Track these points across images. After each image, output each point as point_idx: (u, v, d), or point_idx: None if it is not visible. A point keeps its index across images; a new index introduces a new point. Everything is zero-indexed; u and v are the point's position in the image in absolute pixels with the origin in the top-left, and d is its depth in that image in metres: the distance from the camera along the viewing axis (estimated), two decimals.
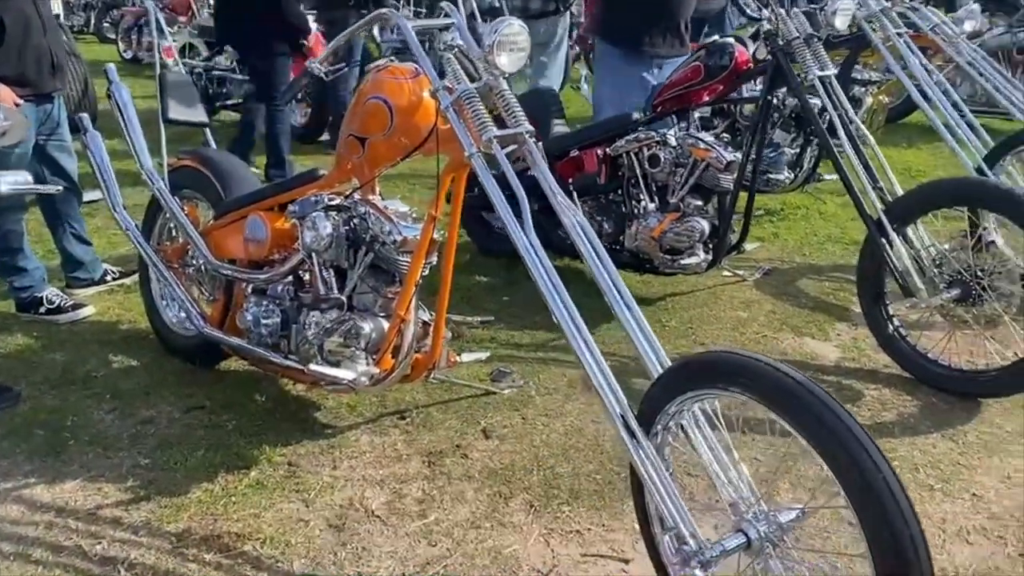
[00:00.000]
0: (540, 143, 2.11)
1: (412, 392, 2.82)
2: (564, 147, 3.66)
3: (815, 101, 3.08)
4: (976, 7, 5.24)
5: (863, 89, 5.56)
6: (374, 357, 2.34)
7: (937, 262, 2.84)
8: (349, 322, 2.33)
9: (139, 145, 3.07)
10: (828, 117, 2.98)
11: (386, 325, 2.35)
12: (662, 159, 3.33)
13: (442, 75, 2.11)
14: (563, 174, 3.67)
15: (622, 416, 1.77)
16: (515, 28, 2.03)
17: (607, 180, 3.52)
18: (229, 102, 6.94)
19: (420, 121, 2.27)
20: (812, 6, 3.25)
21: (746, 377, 1.58)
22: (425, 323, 2.44)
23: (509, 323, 3.37)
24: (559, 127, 3.80)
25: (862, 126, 3.03)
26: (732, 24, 8.96)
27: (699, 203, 3.35)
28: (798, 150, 4.41)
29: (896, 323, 2.94)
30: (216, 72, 7.02)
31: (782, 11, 3.03)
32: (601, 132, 3.58)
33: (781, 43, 3.01)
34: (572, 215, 2.03)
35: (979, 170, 3.71)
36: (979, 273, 2.73)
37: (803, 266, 4.03)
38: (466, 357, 2.72)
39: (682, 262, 3.29)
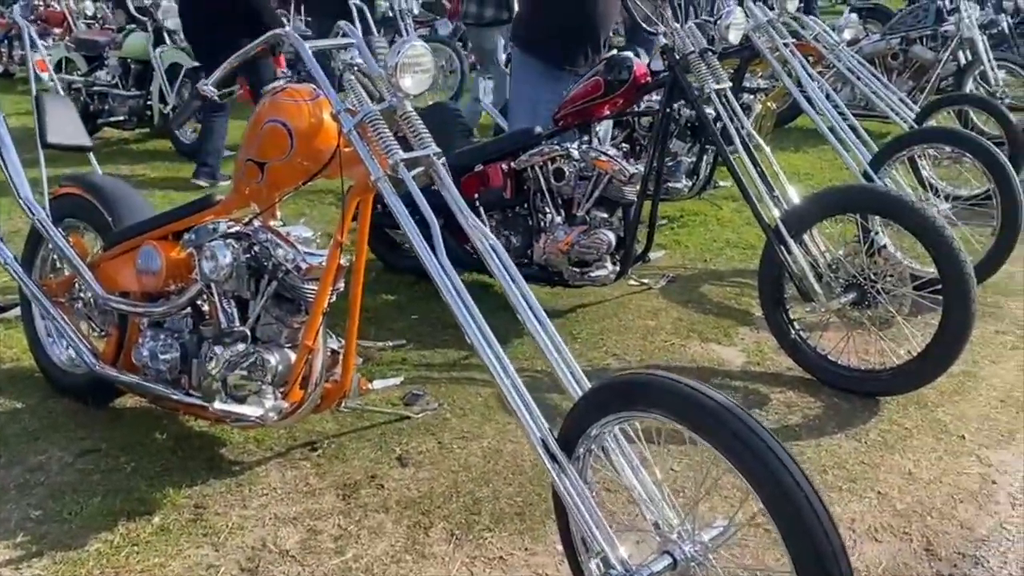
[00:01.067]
0: (444, 161, 2.08)
1: (322, 422, 2.74)
2: (468, 162, 3.63)
3: (712, 112, 3.16)
4: (854, 16, 5.51)
5: (752, 96, 5.75)
6: (282, 390, 2.25)
7: (833, 267, 2.94)
8: (254, 355, 2.24)
9: (14, 170, 2.89)
10: (724, 127, 3.06)
11: (293, 356, 2.27)
12: (567, 173, 3.34)
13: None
14: (468, 189, 3.64)
15: (543, 440, 1.75)
16: (418, 50, 1.99)
17: (513, 194, 3.51)
18: (112, 119, 6.62)
19: (322, 144, 2.20)
20: (706, 19, 3.33)
21: (666, 400, 1.59)
22: (334, 351, 2.37)
23: (419, 343, 3.32)
24: (463, 142, 3.77)
25: (756, 135, 3.11)
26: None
27: (604, 215, 3.38)
28: (695, 159, 4.52)
29: (797, 327, 3.03)
30: (97, 88, 6.69)
31: (678, 26, 3.09)
32: (505, 146, 3.56)
33: (678, 57, 3.07)
34: (484, 238, 2.00)
35: (865, 174, 3.88)
36: (872, 277, 2.84)
37: (705, 272, 4.12)
38: (379, 384, 2.65)
39: (591, 274, 3.31)
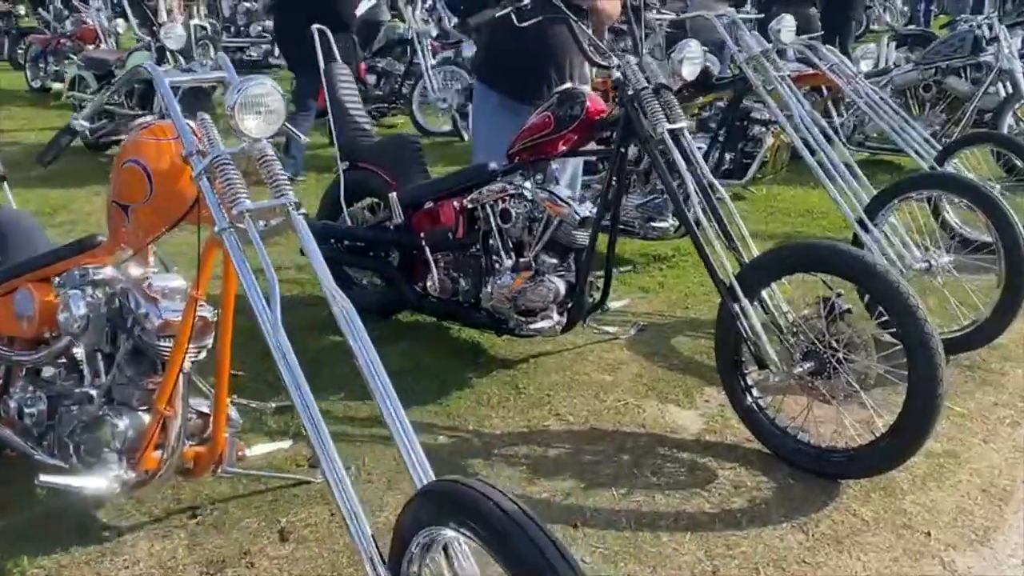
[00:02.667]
0: (304, 212, 1.86)
1: (213, 484, 2.51)
2: (419, 198, 3.40)
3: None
4: (873, 47, 5.16)
5: (763, 129, 5.43)
6: (132, 458, 2.04)
7: (793, 330, 2.62)
8: (103, 418, 2.03)
9: None
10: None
11: (147, 420, 2.05)
12: (514, 214, 3.09)
13: None
14: (419, 226, 3.41)
15: (370, 557, 1.50)
16: (265, 88, 1.77)
17: (465, 234, 3.27)
18: (116, 139, 6.57)
19: (183, 188, 1.99)
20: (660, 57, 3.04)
21: (472, 518, 1.32)
22: (204, 413, 2.15)
23: (348, 391, 3.09)
24: (419, 176, 3.54)
25: (716, 183, 2.81)
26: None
27: (554, 261, 3.11)
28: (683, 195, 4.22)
29: (755, 394, 2.71)
30: (104, 106, 6.65)
31: (630, 58, 2.81)
32: (457, 182, 3.33)
33: (630, 93, 2.80)
34: (340, 303, 1.77)
35: (860, 221, 3.55)
36: (834, 344, 2.52)
37: (683, 321, 3.81)
38: (259, 449, 2.43)
39: (534, 325, 3.03)
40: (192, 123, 1.92)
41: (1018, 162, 4.56)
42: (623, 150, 2.93)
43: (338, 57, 3.81)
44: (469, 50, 9.44)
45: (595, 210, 3.01)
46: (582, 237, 3.02)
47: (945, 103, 6.36)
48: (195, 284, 1.98)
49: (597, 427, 2.91)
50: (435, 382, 3.18)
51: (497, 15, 2.73)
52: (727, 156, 5.42)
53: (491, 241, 3.19)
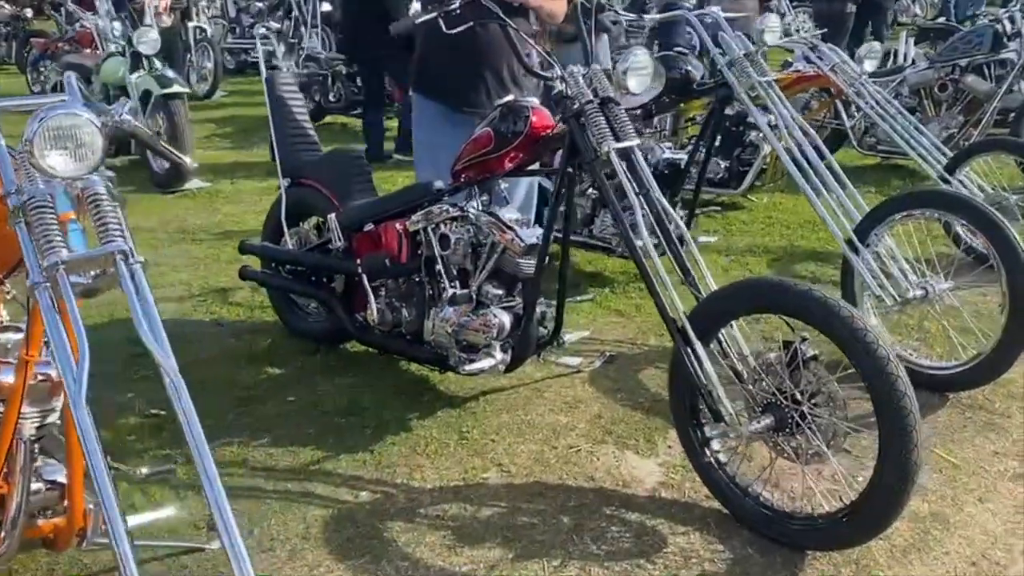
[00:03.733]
0: (140, 260, 1.58)
1: (103, 552, 2.25)
2: (360, 219, 3.12)
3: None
4: (877, 45, 4.78)
5: (760, 135, 5.08)
6: None
7: (754, 378, 2.30)
8: None
9: None
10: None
11: None
12: (453, 240, 2.79)
13: None
14: (360, 250, 3.13)
15: None
16: (76, 119, 1.49)
17: (408, 259, 2.98)
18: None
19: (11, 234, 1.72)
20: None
21: None
22: (57, 483, 1.88)
23: (258, 438, 2.81)
24: (363, 194, 3.26)
25: (672, 211, 2.49)
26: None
27: (499, 292, 2.81)
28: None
29: (714, 447, 2.39)
30: None
31: (576, 69, 2.50)
32: (400, 203, 3.03)
33: (574, 108, 2.48)
34: (171, 375, 1.50)
35: (849, 242, 3.21)
36: (797, 396, 2.19)
37: (656, 350, 3.48)
38: (141, 518, 2.15)
39: (474, 365, 2.73)
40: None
41: None
42: (570, 170, 2.62)
43: (282, 63, 3.53)
44: None
45: (543, 236, 2.70)
46: (528, 266, 2.72)
47: (963, 104, 5.95)
48: (25, 345, 1.71)
49: (541, 480, 2.61)
50: (371, 425, 2.89)
51: (417, 22, 2.44)
52: (722, 164, 5.11)
53: (434, 268, 2.90)
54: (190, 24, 10.32)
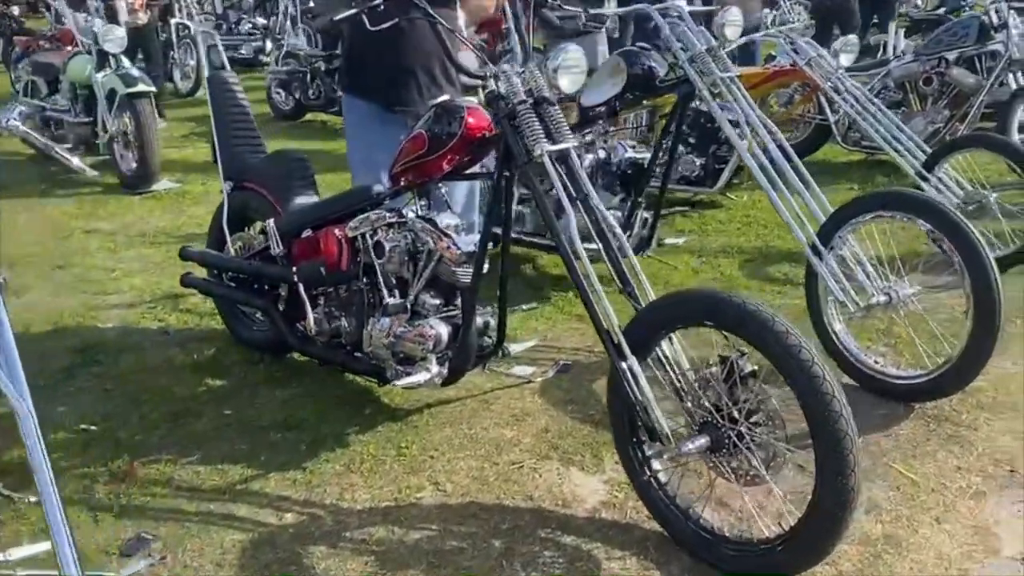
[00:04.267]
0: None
1: None
2: (299, 225, 2.99)
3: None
4: (854, 38, 4.62)
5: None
6: None
7: (693, 394, 2.17)
8: None
9: None
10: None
11: None
12: (388, 248, 2.66)
13: None
14: (300, 257, 3.01)
15: None
16: None
17: (346, 267, 2.85)
18: (63, 146, 6.25)
19: None
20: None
21: None
22: None
23: (188, 455, 2.69)
24: (305, 198, 3.13)
25: (611, 219, 2.35)
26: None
27: (436, 302, 2.69)
28: (627, 211, 3.77)
29: (654, 466, 2.26)
30: (50, 113, 6.35)
31: (507, 67, 2.37)
32: (339, 207, 2.91)
33: (506, 108, 2.35)
34: (18, 405, 1.37)
35: (812, 246, 3.07)
36: (732, 416, 2.06)
37: None
38: (21, 552, 2.03)
39: (409, 378, 2.60)
40: None
41: (1016, 169, 4.01)
42: (507, 174, 2.48)
43: (226, 64, 3.41)
44: None
45: (480, 243, 2.57)
46: (464, 275, 2.59)
47: (949, 98, 5.79)
48: None
49: (477, 499, 2.48)
50: (307, 440, 2.77)
51: (335, 19, 2.31)
52: (697, 162, 4.97)
53: (372, 277, 2.78)
54: (172, 21, 10.20)
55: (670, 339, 2.20)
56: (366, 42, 2.56)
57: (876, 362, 3.03)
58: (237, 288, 3.21)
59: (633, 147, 3.82)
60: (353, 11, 2.30)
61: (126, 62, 5.92)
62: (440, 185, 2.76)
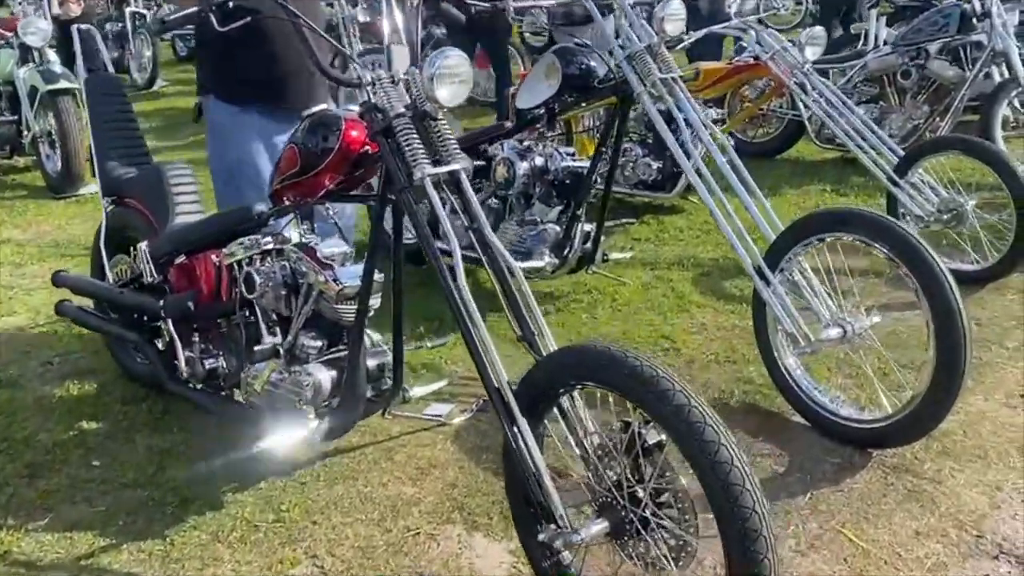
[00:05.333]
0: None
1: None
2: (172, 249, 2.63)
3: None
4: (819, 29, 4.25)
5: (693, 132, 4.57)
6: None
7: (595, 465, 1.82)
8: None
9: None
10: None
11: None
12: (258, 280, 2.31)
13: None
14: (177, 287, 2.65)
15: None
16: None
17: (222, 299, 2.50)
18: None
19: None
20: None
21: None
22: None
23: (15, 528, 2.34)
24: (186, 216, 2.76)
25: (509, 258, 1.99)
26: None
27: (318, 343, 2.33)
28: (565, 226, 3.41)
29: (555, 547, 1.91)
30: None
31: (382, 74, 2.00)
32: (215, 229, 2.55)
33: (382, 123, 1.99)
34: None
35: (758, 269, 2.73)
36: (638, 494, 1.71)
37: None
38: None
39: (276, 438, 2.24)
40: None
41: (992, 174, 3.66)
42: (390, 195, 2.12)
43: (109, 65, 3.03)
44: None
45: (364, 275, 2.21)
46: (347, 312, 2.24)
47: (928, 91, 5.43)
48: None
49: None
50: (175, 501, 2.42)
51: (169, 19, 1.94)
52: (654, 165, 4.61)
53: (252, 311, 2.42)
54: (128, 10, 9.78)
55: (572, 397, 1.85)
56: (225, 38, 2.18)
57: (831, 401, 2.69)
58: (113, 320, 2.85)
59: (572, 154, 3.46)
60: (192, 10, 1.93)
61: (51, 56, 5.52)
62: (328, 207, 2.40)
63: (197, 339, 2.57)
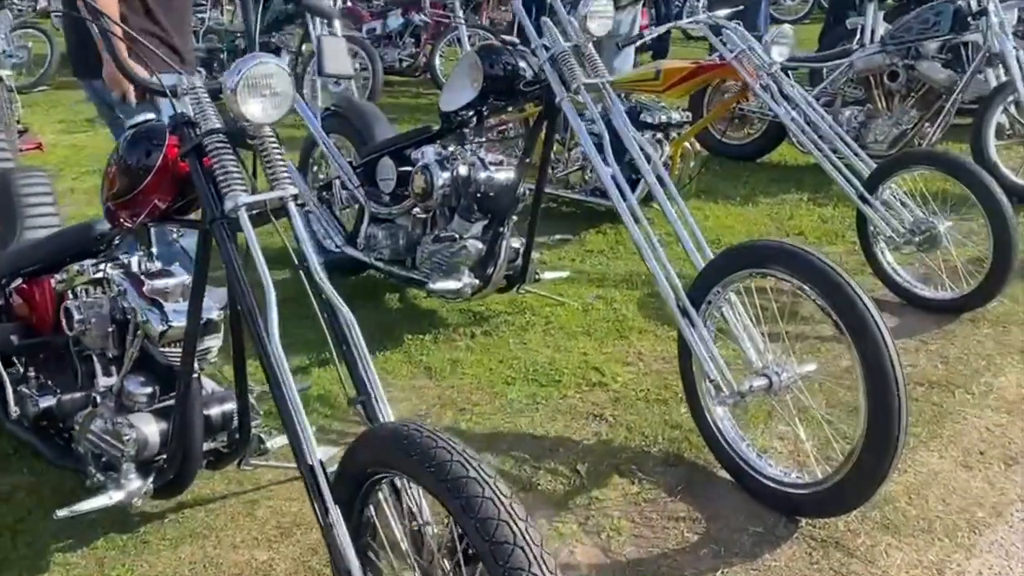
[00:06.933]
0: None
1: None
2: (11, 271, 2.32)
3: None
4: (788, 27, 3.89)
5: (657, 134, 4.25)
6: None
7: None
8: None
9: None
10: None
11: None
12: (75, 316, 1.99)
13: None
14: (17, 314, 2.34)
15: None
16: None
17: (54, 332, 2.19)
18: None
19: None
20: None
21: None
22: None
23: None
24: (35, 231, 2.45)
25: (346, 309, 1.66)
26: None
27: (149, 390, 2.02)
28: (487, 244, 3.08)
29: None
30: None
31: (196, 82, 1.67)
32: (50, 251, 2.23)
33: (193, 141, 1.66)
34: None
35: (683, 309, 2.40)
36: None
37: (453, 429, 2.67)
38: None
39: (96, 501, 1.93)
40: None
41: (969, 193, 3.29)
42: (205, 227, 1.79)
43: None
44: (395, 21, 8.34)
45: (188, 312, 1.88)
46: (174, 356, 1.92)
47: (918, 95, 5.04)
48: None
49: None
50: None
51: None
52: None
53: (81, 347, 2.11)
54: None
55: (396, 484, 1.53)
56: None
57: (759, 457, 2.36)
58: None
59: (499, 163, 3.12)
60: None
61: None
62: (172, 230, 2.09)
63: (33, 374, 2.26)
